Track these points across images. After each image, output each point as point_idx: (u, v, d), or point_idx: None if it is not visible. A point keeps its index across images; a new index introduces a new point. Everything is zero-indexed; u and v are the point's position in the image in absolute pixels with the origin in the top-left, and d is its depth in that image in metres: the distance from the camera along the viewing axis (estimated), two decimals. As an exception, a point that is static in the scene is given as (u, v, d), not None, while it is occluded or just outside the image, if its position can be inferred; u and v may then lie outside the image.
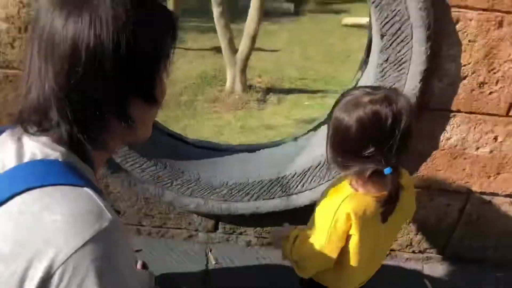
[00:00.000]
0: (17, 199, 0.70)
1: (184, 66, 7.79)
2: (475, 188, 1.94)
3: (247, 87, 7.16)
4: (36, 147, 0.76)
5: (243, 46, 6.86)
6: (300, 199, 1.94)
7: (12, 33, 1.65)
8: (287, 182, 1.93)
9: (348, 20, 10.80)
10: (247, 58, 6.94)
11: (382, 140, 1.15)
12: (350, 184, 1.30)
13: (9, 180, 0.73)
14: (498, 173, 1.90)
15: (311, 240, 1.32)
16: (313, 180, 1.91)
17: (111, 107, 0.75)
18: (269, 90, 7.29)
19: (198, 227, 2.15)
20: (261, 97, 7.07)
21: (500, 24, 1.55)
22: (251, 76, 7.50)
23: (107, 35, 0.69)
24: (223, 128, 6.22)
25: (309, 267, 1.38)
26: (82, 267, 0.67)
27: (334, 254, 1.29)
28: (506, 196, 1.96)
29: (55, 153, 0.76)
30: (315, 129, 2.07)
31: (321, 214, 1.33)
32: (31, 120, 0.76)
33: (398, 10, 1.51)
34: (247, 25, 6.78)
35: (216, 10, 6.82)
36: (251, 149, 2.13)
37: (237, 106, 6.84)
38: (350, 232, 1.26)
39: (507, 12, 1.52)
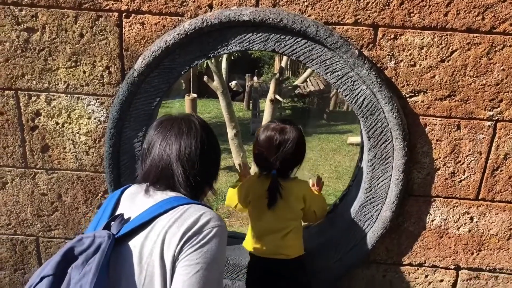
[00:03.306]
0: (170, 212, 1.26)
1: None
2: (462, 264, 2.29)
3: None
4: (166, 194, 1.32)
5: (255, 163, 7.44)
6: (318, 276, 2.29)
7: (88, 144, 2.17)
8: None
9: (353, 139, 11.55)
10: (259, 174, 7.47)
11: (271, 152, 1.91)
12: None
13: (160, 206, 1.28)
14: (480, 250, 2.26)
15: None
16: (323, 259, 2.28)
17: (209, 183, 1.44)
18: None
19: (226, 308, 2.46)
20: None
21: (458, 127, 2.04)
22: (263, 191, 7.98)
23: (197, 147, 1.35)
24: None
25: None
26: (216, 236, 1.23)
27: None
28: (490, 271, 2.29)
29: (180, 194, 1.33)
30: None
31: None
32: (159, 182, 1.35)
33: (379, 119, 2.02)
34: (259, 145, 7.43)
35: (230, 132, 7.55)
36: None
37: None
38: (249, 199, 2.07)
39: (462, 118, 2.02)
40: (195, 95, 8.78)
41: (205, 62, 7.61)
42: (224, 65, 9.83)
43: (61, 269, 1.20)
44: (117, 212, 1.36)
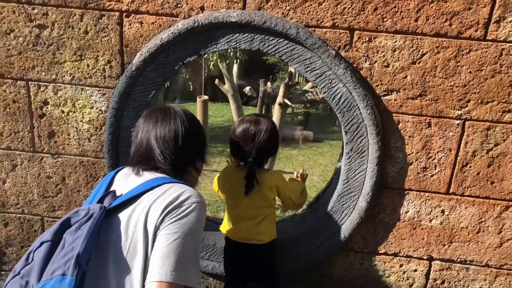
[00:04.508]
0: (156, 189, 1.45)
1: (209, 185, 8.58)
2: (435, 255, 2.43)
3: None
4: (154, 175, 1.52)
5: (263, 166, 7.60)
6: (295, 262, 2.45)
7: (90, 131, 2.38)
8: (285, 248, 2.46)
9: (363, 146, 11.57)
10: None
11: (247, 142, 2.07)
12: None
13: (147, 183, 1.47)
14: (451, 242, 2.40)
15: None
16: (306, 245, 2.45)
17: (189, 163, 1.63)
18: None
19: (214, 290, 2.64)
20: (280, 213, 7.61)
21: (429, 125, 2.19)
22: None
23: (170, 130, 1.55)
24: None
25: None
26: (195, 210, 1.41)
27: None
28: (461, 262, 2.43)
29: (166, 175, 1.54)
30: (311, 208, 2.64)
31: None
32: (143, 163, 1.56)
33: (355, 115, 2.18)
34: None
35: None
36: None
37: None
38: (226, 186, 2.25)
39: (432, 116, 2.17)
40: (206, 97, 9.02)
41: (217, 65, 7.86)
42: (235, 69, 10.07)
43: (59, 235, 1.40)
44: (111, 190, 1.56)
